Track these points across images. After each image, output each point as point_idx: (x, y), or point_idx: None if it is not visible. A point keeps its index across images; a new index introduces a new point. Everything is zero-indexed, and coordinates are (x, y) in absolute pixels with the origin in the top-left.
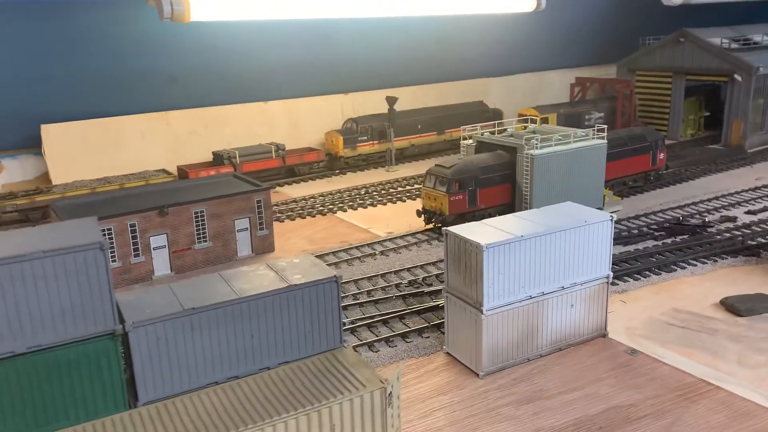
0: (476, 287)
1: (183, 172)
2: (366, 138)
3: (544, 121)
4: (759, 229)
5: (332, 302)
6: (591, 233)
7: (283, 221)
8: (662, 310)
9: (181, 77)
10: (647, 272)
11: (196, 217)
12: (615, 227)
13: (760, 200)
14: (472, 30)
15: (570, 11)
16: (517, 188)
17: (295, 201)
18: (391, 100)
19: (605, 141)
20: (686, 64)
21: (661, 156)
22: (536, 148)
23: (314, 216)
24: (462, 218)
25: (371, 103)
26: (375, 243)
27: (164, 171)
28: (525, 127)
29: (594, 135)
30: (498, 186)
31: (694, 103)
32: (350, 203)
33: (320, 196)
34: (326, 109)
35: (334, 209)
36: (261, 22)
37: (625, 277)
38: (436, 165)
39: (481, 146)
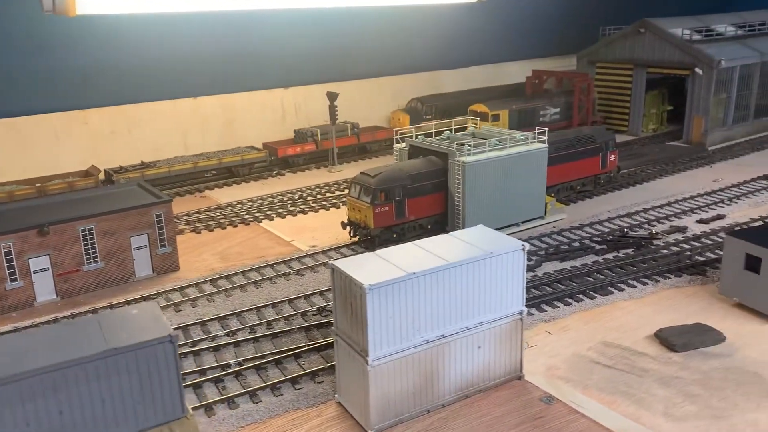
0: (362, 333)
1: (272, 149)
2: (430, 116)
3: (495, 117)
4: (709, 242)
5: (167, 366)
6: (499, 265)
7: (200, 232)
8: (590, 343)
9: (94, 74)
10: (580, 295)
11: (84, 235)
12: (554, 239)
13: (714, 207)
14: (421, 21)
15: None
16: (449, 198)
17: (220, 207)
18: (331, 96)
19: (546, 145)
20: (647, 56)
21: (612, 158)
22: (469, 154)
23: (236, 226)
24: (389, 231)
25: (315, 96)
26: (293, 259)
27: (253, 147)
28: (468, 128)
29: (535, 138)
30: (430, 195)
31: (656, 96)
32: (280, 210)
33: (249, 201)
34: (266, 104)
35: (261, 217)
36: (181, 14)
37: (555, 302)
38: (361, 173)
39: (414, 151)
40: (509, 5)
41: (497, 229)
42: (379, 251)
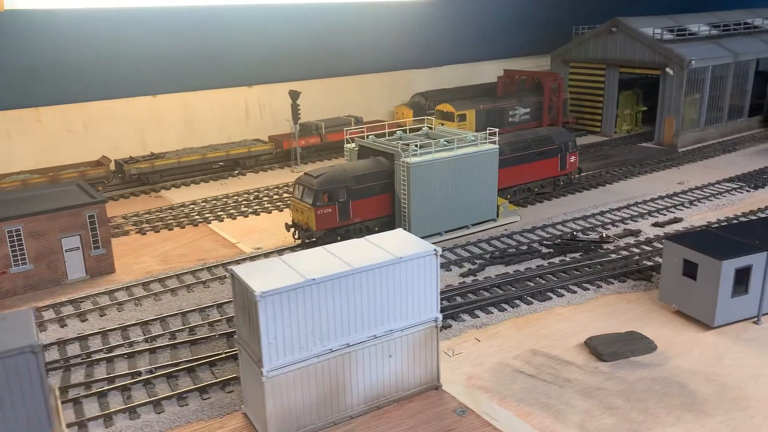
0: (257, 342)
1: (278, 142)
2: (434, 111)
3: (461, 118)
4: (660, 246)
5: (30, 379)
6: (409, 271)
7: (145, 233)
8: (518, 351)
9: (45, 71)
10: (517, 301)
11: (11, 236)
12: (503, 242)
13: (672, 210)
14: (392, 19)
15: None
16: (396, 200)
17: (172, 208)
18: (294, 95)
19: (496, 146)
20: (618, 55)
21: (572, 159)
22: (415, 154)
23: (184, 227)
24: (333, 233)
25: (279, 95)
26: (234, 262)
27: (259, 140)
28: (422, 128)
29: (485, 139)
30: (376, 197)
31: (630, 96)
32: (232, 211)
33: (203, 202)
34: (228, 103)
35: (211, 218)
36: (138, 9)
37: (490, 308)
38: (305, 174)
39: (364, 151)
40: (484, 4)
41: (447, 232)
42: (286, 256)
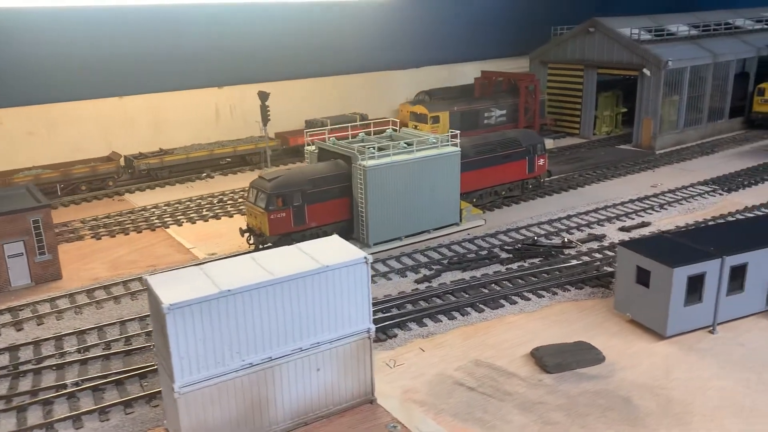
0: (169, 356)
1: (284, 139)
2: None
3: (435, 120)
4: None
5: None
6: (336, 280)
7: (100, 238)
8: (462, 362)
9: (4, 71)
10: (468, 308)
11: None
12: (464, 247)
13: (641, 213)
14: (366, 18)
15: None
16: (354, 204)
17: (132, 212)
18: (263, 96)
19: (458, 149)
20: (596, 56)
21: (541, 162)
22: (372, 157)
23: (141, 232)
24: (288, 238)
25: (251, 96)
26: (183, 269)
27: (262, 137)
28: (387, 130)
29: (447, 141)
30: (333, 201)
31: (610, 98)
32: (193, 214)
33: (165, 205)
34: (198, 104)
35: (170, 222)
36: (103, 8)
37: (439, 316)
38: (259, 176)
39: (323, 154)
40: (463, 4)
41: (407, 237)
42: (207, 265)
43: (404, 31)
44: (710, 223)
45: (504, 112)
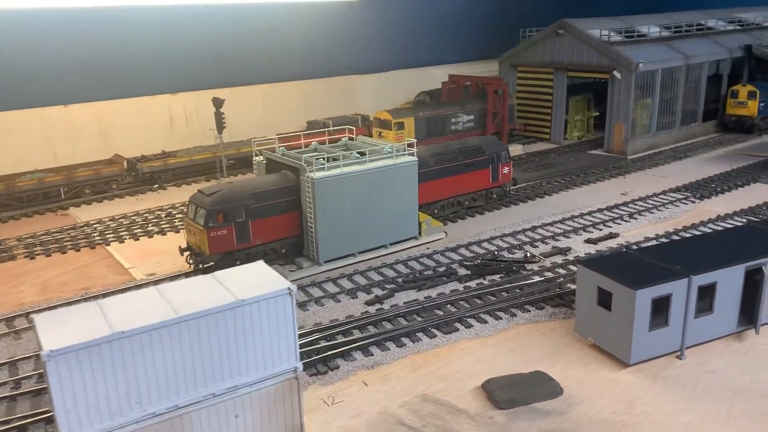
0: (53, 408)
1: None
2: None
3: (399, 126)
4: None
5: None
6: (255, 315)
7: (34, 258)
8: (407, 396)
9: None
10: (419, 333)
11: None
12: (422, 263)
13: (610, 224)
14: (327, 20)
15: None
16: (303, 219)
17: (74, 227)
18: (217, 102)
19: (415, 158)
20: (566, 59)
21: (505, 170)
22: (322, 168)
23: (79, 250)
24: (230, 257)
25: (209, 102)
26: (115, 292)
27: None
28: (342, 139)
29: (404, 151)
30: (281, 216)
31: (580, 101)
32: (138, 230)
33: (110, 220)
34: (149, 112)
35: (112, 239)
36: (45, 11)
37: (387, 343)
38: (198, 191)
39: (272, 165)
40: (431, 6)
41: (361, 253)
42: (103, 300)
43: (371, 34)
44: (681, 233)
45: (472, 117)
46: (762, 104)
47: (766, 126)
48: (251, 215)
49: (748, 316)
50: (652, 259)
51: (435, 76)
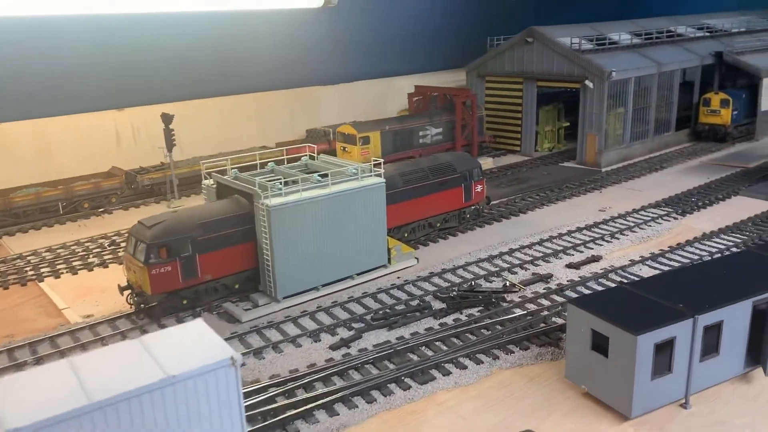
0: None
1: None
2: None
3: (365, 140)
4: (575, 295)
5: None
6: (189, 394)
7: None
8: None
9: None
10: (392, 385)
11: None
12: (393, 296)
13: (591, 245)
14: (286, 30)
15: (413, 5)
16: (259, 250)
17: (5, 261)
18: (166, 119)
19: (382, 179)
20: (536, 68)
21: (479, 188)
22: (279, 194)
23: (8, 288)
24: (176, 296)
25: (157, 117)
26: (44, 339)
27: (264, 147)
28: (302, 159)
29: (370, 172)
30: (233, 247)
31: (551, 112)
32: (77, 262)
33: (47, 251)
34: (93, 129)
35: (47, 273)
36: None
37: (355, 398)
38: (139, 222)
39: (223, 189)
40: (396, 14)
41: (325, 286)
42: (8, 378)
43: (334, 43)
44: (667, 254)
45: (440, 130)
46: (735, 112)
47: (740, 135)
48: (199, 248)
49: (754, 356)
50: (651, 296)
51: (401, 87)
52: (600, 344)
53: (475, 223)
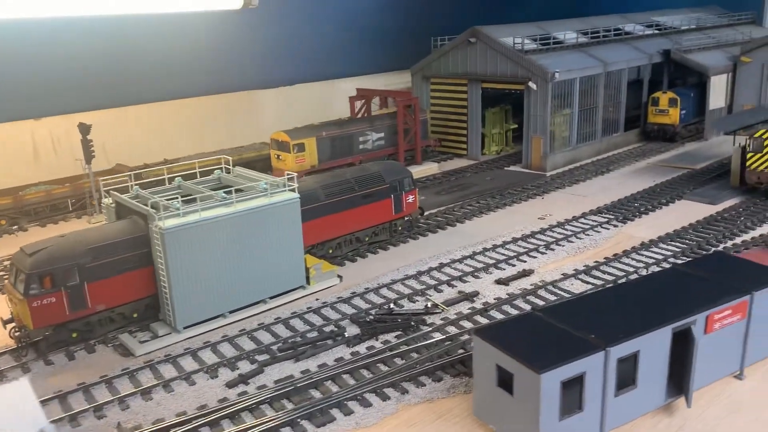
0: None
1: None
2: None
3: (299, 148)
4: (499, 315)
5: None
6: None
7: None
8: None
9: None
10: (285, 428)
11: None
12: (307, 321)
13: (524, 257)
14: (215, 31)
15: (352, 4)
16: (156, 276)
17: None
18: (83, 129)
19: (296, 195)
20: (480, 69)
21: (410, 199)
22: (176, 214)
23: None
24: (64, 330)
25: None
26: None
27: (263, 144)
28: (215, 173)
29: (284, 186)
30: (129, 273)
31: (497, 114)
32: None
33: None
34: (8, 141)
35: None
36: None
37: None
38: (21, 249)
39: (122, 209)
40: (337, 13)
41: (233, 312)
42: None
43: (269, 44)
44: (602, 266)
45: (382, 135)
46: (683, 111)
47: (689, 134)
48: (88, 276)
49: (677, 384)
50: (562, 324)
51: (344, 89)
52: (505, 381)
53: (409, 235)
